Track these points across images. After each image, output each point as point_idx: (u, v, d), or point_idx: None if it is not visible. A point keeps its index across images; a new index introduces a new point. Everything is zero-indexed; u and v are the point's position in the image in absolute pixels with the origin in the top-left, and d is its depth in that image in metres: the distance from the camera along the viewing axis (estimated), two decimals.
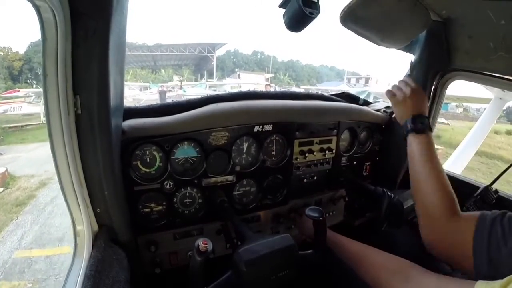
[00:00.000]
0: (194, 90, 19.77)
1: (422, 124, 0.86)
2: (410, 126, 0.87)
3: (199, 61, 49.67)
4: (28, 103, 12.73)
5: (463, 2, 0.97)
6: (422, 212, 0.79)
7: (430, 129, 0.86)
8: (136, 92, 18.76)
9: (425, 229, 0.77)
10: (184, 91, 19.08)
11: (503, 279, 0.48)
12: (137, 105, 1.01)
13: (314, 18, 0.73)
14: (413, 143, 0.86)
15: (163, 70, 43.19)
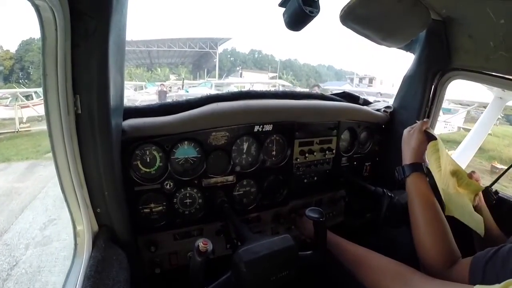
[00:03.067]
0: (198, 90, 16.78)
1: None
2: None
3: (198, 59, 45.79)
4: (4, 106, 9.99)
5: (463, 1, 0.97)
6: (422, 262, 0.78)
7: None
8: (131, 92, 16.28)
9: (424, 272, 0.76)
10: (187, 92, 16.28)
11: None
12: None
13: (314, 17, 0.73)
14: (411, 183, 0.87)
15: (159, 69, 39.69)
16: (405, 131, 0.99)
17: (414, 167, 0.88)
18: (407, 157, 0.92)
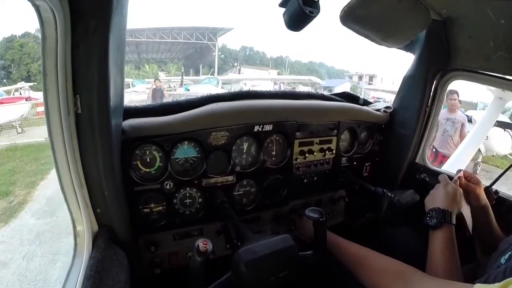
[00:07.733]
0: (201, 88, 13.85)
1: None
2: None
3: (192, 53, 40.04)
4: None
5: (463, 1, 0.97)
6: None
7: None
8: None
9: None
10: (187, 90, 13.84)
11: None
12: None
13: (314, 17, 0.73)
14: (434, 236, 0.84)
15: (147, 66, 34.57)
16: (449, 183, 0.95)
17: (447, 216, 0.85)
18: (442, 203, 0.89)
